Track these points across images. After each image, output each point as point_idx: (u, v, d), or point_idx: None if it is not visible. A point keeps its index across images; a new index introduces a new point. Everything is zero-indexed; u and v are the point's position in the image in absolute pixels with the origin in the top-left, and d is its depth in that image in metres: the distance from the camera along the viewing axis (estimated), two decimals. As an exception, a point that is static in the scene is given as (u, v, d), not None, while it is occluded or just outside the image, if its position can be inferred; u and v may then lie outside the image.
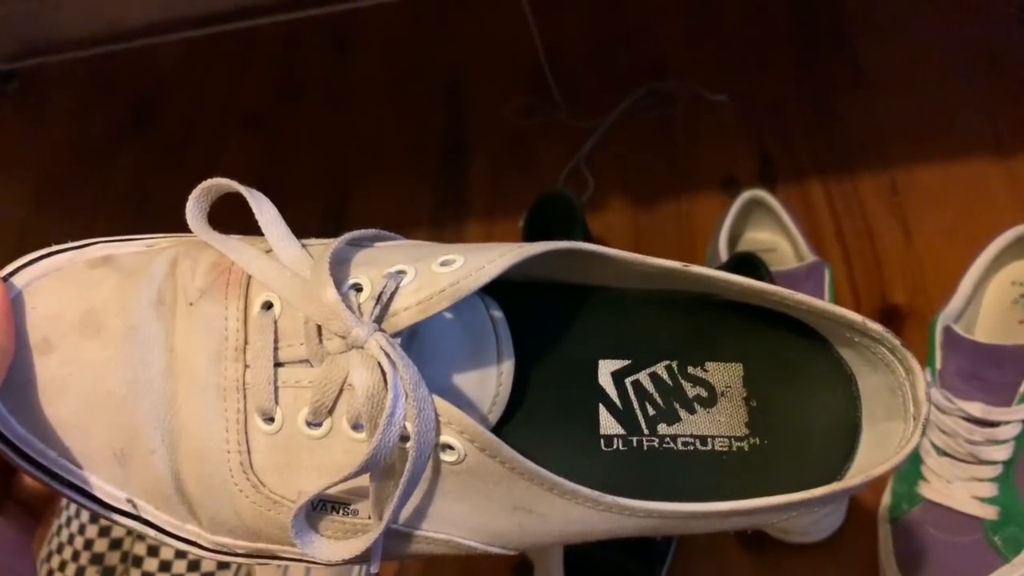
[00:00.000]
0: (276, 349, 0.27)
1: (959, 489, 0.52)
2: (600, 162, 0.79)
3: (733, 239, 0.66)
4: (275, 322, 0.27)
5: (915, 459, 0.55)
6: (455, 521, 0.27)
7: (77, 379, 0.26)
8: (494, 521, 0.27)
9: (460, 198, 0.80)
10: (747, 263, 0.57)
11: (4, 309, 0.26)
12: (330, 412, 0.26)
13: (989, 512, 0.51)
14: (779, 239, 0.67)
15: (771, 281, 0.56)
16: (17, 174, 0.95)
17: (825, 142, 0.77)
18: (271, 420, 0.26)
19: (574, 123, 0.81)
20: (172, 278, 0.28)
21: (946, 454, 0.53)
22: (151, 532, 0.27)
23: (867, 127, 0.76)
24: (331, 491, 0.26)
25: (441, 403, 0.25)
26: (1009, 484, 0.51)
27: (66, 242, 0.29)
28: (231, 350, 0.27)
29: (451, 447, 0.25)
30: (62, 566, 0.63)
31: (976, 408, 0.51)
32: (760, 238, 0.68)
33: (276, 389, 0.26)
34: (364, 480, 0.25)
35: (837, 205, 0.72)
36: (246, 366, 0.27)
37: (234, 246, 0.29)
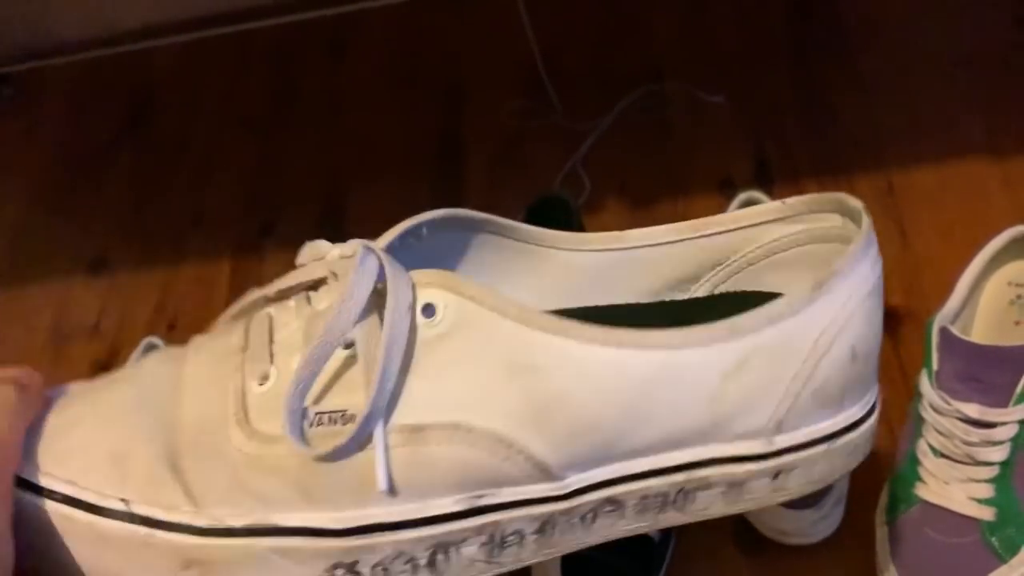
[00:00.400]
0: (271, 331, 0.28)
1: (956, 490, 0.52)
2: (597, 164, 0.80)
3: (729, 241, 0.66)
4: (271, 317, 0.29)
5: (912, 460, 0.55)
6: (455, 402, 0.25)
7: (89, 415, 0.28)
8: (495, 393, 0.25)
9: (457, 200, 0.80)
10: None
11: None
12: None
13: (986, 513, 0.51)
14: (775, 240, 0.67)
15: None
16: (12, 179, 0.95)
17: (821, 143, 0.77)
18: (266, 378, 0.27)
19: (570, 125, 0.82)
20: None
21: (943, 455, 0.53)
22: (141, 530, 0.26)
23: (863, 128, 0.77)
24: (325, 403, 0.26)
25: (418, 272, 0.25)
26: (1006, 485, 0.51)
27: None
28: (235, 350, 0.28)
29: (432, 306, 0.25)
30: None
31: (973, 409, 0.51)
32: (757, 240, 0.68)
33: (272, 341, 0.28)
34: (354, 381, 0.25)
35: (833, 206, 0.73)
36: (245, 348, 0.28)
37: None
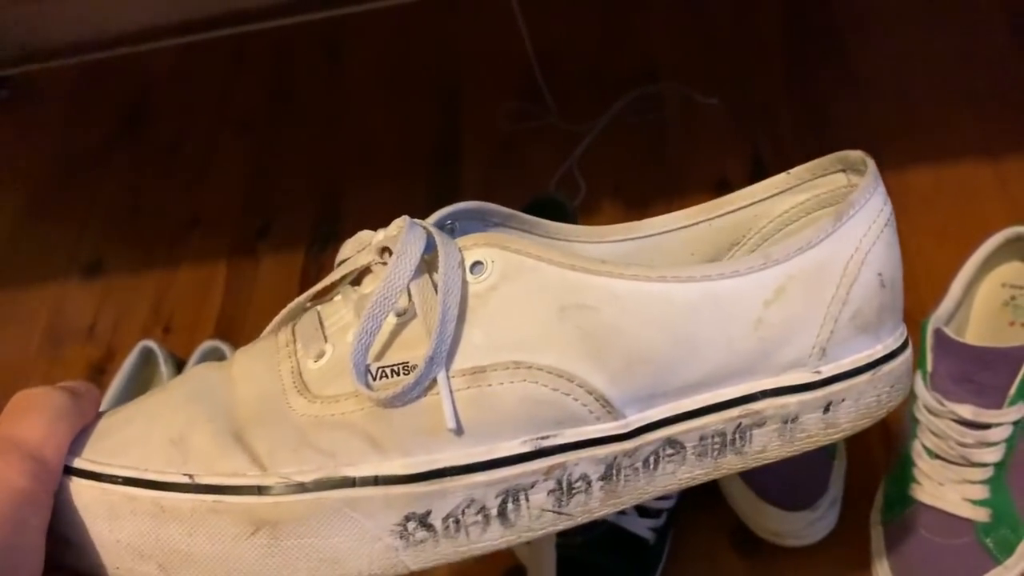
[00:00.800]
0: (321, 321, 0.29)
1: (951, 491, 0.52)
2: (592, 166, 0.80)
3: (725, 242, 0.66)
4: (318, 312, 0.30)
5: (907, 462, 0.55)
6: (512, 343, 0.26)
7: (141, 412, 0.29)
8: (550, 331, 0.26)
9: (452, 202, 0.80)
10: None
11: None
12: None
13: (981, 514, 0.51)
14: (771, 242, 0.67)
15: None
16: (7, 182, 0.95)
17: (816, 144, 0.77)
18: (322, 355, 0.28)
19: (566, 127, 0.82)
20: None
21: (937, 456, 0.53)
22: (209, 498, 0.25)
23: (858, 129, 0.77)
24: (386, 360, 0.26)
25: (461, 236, 0.27)
26: (1000, 486, 0.51)
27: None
28: (284, 344, 0.29)
29: (479, 263, 0.26)
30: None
31: (967, 411, 0.51)
32: (752, 241, 0.68)
33: (323, 327, 0.28)
34: (411, 340, 0.26)
35: (828, 208, 0.73)
36: (294, 340, 0.29)
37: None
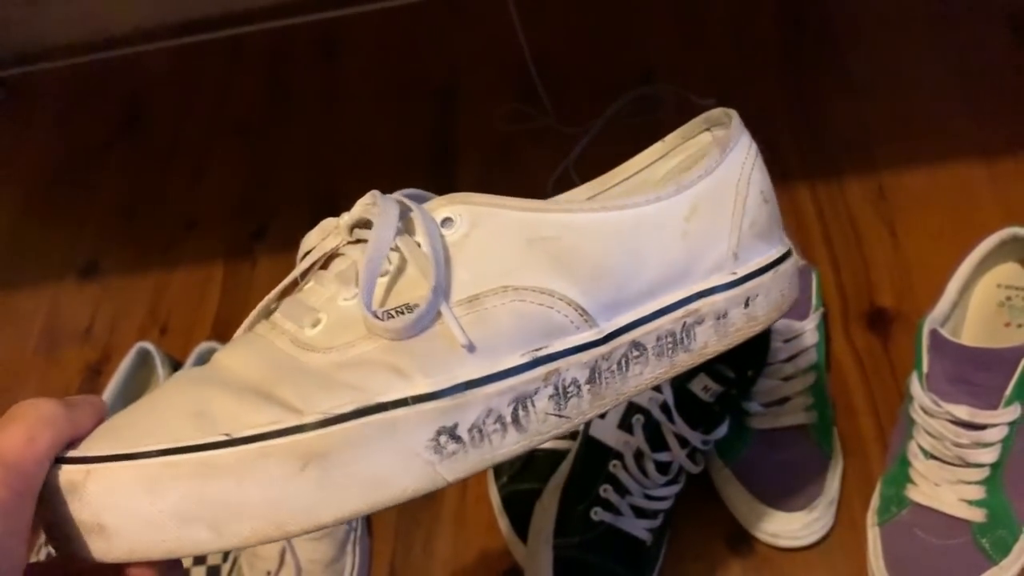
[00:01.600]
0: (304, 303, 0.31)
1: (947, 492, 0.52)
2: (589, 167, 0.79)
3: (721, 244, 0.66)
4: (297, 299, 0.32)
5: (903, 462, 0.55)
6: (495, 273, 0.30)
7: (145, 407, 0.29)
8: (524, 259, 0.31)
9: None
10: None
11: None
12: (356, 279, 0.30)
13: (976, 515, 0.51)
14: (767, 243, 0.67)
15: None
16: (5, 182, 0.95)
17: (812, 146, 0.77)
18: (317, 322, 0.30)
19: (563, 128, 0.82)
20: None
21: (933, 457, 0.53)
22: (253, 447, 0.26)
23: (854, 131, 0.77)
24: (388, 304, 0.30)
25: (426, 202, 0.31)
26: (996, 487, 0.51)
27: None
28: (268, 329, 0.31)
29: (449, 219, 0.31)
30: None
31: (963, 411, 0.51)
32: (748, 242, 0.68)
33: (309, 305, 0.31)
34: (406, 288, 0.30)
35: (824, 209, 0.73)
36: (270, 319, 0.31)
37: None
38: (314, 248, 0.33)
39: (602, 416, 0.54)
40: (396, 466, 0.27)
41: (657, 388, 0.55)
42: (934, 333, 0.53)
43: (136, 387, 0.71)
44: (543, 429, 0.30)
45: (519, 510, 0.60)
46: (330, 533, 0.60)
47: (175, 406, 0.28)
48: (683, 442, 0.55)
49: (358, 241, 0.32)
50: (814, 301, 0.59)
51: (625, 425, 0.55)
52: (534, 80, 0.82)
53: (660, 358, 0.33)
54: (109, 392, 0.69)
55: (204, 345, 0.70)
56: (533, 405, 0.30)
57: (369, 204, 0.32)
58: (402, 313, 0.29)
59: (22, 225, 0.91)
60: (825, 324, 0.64)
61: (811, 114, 0.79)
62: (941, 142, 0.74)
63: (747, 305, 0.35)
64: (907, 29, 0.82)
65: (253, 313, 0.33)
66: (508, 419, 0.29)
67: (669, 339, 0.33)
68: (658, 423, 0.54)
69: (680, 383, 0.54)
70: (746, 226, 0.34)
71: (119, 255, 0.85)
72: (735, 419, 0.58)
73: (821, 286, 0.63)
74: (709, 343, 0.34)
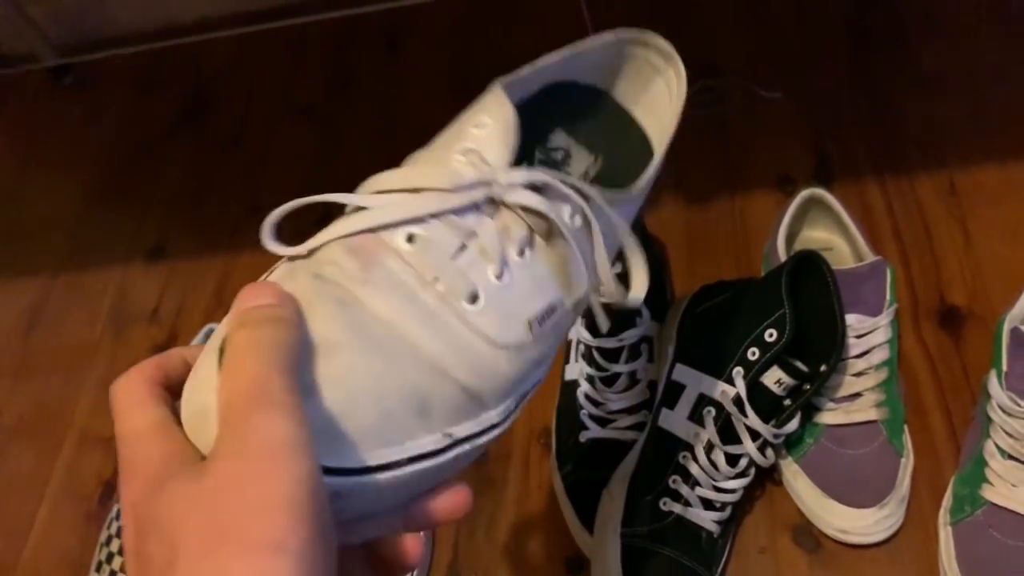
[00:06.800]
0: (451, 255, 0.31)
1: (1025, 493, 0.51)
2: (652, 159, 0.79)
3: (790, 238, 0.65)
4: (425, 241, 0.31)
5: (979, 461, 0.54)
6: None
7: (354, 389, 0.28)
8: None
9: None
10: (810, 262, 0.57)
11: None
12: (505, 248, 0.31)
13: (1056, 517, 0.50)
14: (836, 238, 0.67)
15: (834, 280, 0.56)
16: (73, 167, 0.97)
17: (882, 140, 0.76)
18: (476, 297, 0.30)
19: (626, 120, 0.81)
20: (331, 284, 0.30)
21: (1011, 457, 0.52)
22: (465, 448, 0.30)
23: (924, 125, 0.76)
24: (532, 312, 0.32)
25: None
26: (1078, 489, 0.50)
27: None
28: (416, 283, 0.30)
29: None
30: (109, 558, 0.64)
31: (1044, 411, 0.50)
32: (817, 237, 0.67)
33: (466, 275, 0.30)
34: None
35: (894, 204, 0.72)
36: (436, 280, 0.30)
37: (352, 221, 0.32)
38: (448, 189, 0.31)
39: (671, 408, 0.54)
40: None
41: (730, 381, 0.54)
42: (1015, 331, 0.52)
43: (204, 368, 0.72)
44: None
45: (583, 499, 0.60)
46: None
47: (392, 395, 0.28)
48: (754, 435, 0.54)
49: (498, 206, 0.31)
50: (888, 297, 0.59)
51: (696, 417, 0.55)
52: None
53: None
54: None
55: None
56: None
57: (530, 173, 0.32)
58: (548, 316, 0.32)
59: (90, 208, 0.93)
60: (897, 321, 0.63)
61: (880, 109, 0.77)
62: (1016, 139, 0.73)
63: None
64: (980, 24, 0.81)
65: (351, 219, 0.31)
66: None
67: None
68: (729, 416, 0.54)
69: (753, 377, 0.54)
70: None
71: (185, 239, 0.87)
72: (805, 414, 0.57)
73: (895, 282, 0.62)
74: None
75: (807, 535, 0.58)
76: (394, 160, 0.34)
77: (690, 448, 0.55)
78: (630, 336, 0.61)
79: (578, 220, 0.33)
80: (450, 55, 0.94)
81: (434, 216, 0.30)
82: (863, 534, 0.55)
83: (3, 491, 0.74)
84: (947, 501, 0.55)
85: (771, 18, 0.87)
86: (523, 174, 0.31)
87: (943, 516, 0.55)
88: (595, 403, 0.61)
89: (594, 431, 0.61)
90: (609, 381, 0.61)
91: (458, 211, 0.31)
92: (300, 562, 0.22)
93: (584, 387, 0.62)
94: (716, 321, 0.59)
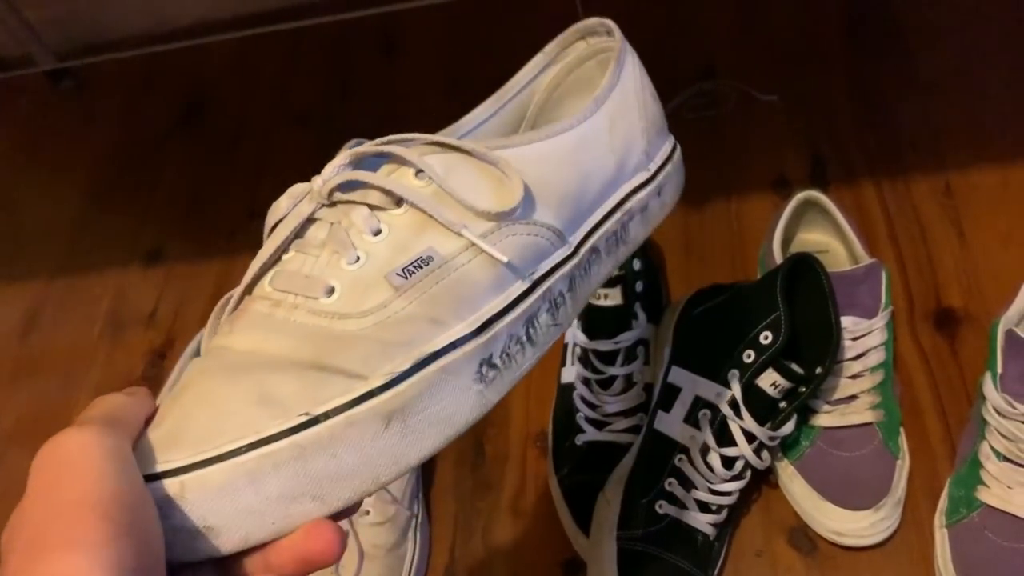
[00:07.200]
0: (300, 272, 0.32)
1: (1020, 495, 0.51)
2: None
3: (786, 240, 0.65)
4: (280, 273, 0.32)
5: (974, 464, 0.54)
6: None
7: (188, 405, 0.29)
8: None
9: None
10: (805, 264, 0.57)
11: None
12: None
13: (1051, 519, 0.50)
14: (832, 240, 0.67)
15: (829, 283, 0.56)
16: (69, 171, 0.97)
17: (877, 143, 0.76)
18: (332, 290, 0.31)
19: (623, 123, 0.81)
20: (209, 354, 0.32)
21: (1007, 459, 0.52)
22: (339, 420, 0.28)
23: (920, 128, 0.76)
24: (399, 263, 0.32)
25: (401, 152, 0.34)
26: (1072, 490, 0.51)
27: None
28: (271, 308, 0.31)
29: (420, 171, 0.33)
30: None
31: (1039, 413, 0.50)
32: (813, 239, 0.67)
33: (319, 278, 0.31)
34: (402, 235, 0.32)
35: (890, 207, 0.72)
36: (289, 296, 0.31)
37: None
38: (286, 216, 0.33)
39: (667, 410, 0.54)
40: (457, 402, 0.31)
41: (726, 384, 0.55)
42: (1010, 334, 0.52)
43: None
44: (547, 339, 0.35)
45: (580, 502, 0.60)
46: (392, 519, 0.60)
47: (232, 398, 0.28)
48: (750, 437, 0.54)
49: (334, 204, 0.33)
50: (883, 299, 0.59)
51: (691, 420, 0.55)
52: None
53: (609, 255, 0.38)
54: (175, 376, 0.71)
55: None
56: (538, 322, 0.34)
57: (344, 166, 0.33)
58: (419, 268, 0.31)
59: (88, 212, 0.93)
60: (892, 323, 0.64)
61: (876, 111, 0.78)
62: (1012, 142, 0.73)
63: (660, 194, 0.40)
64: (977, 27, 0.81)
65: (236, 291, 0.33)
66: (524, 339, 0.33)
67: (613, 238, 0.38)
68: (725, 418, 0.54)
69: (749, 379, 0.54)
70: (649, 126, 0.39)
71: (183, 243, 0.87)
72: (801, 416, 0.57)
73: (890, 285, 0.62)
74: (639, 234, 0.39)
75: (803, 537, 0.58)
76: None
77: (686, 451, 0.55)
78: (626, 339, 0.61)
79: (429, 173, 0.32)
80: (447, 58, 0.94)
81: (280, 249, 0.33)
82: (859, 536, 0.55)
83: (0, 495, 0.75)
84: (943, 503, 0.55)
85: (767, 21, 0.87)
86: (332, 164, 0.33)
87: (939, 518, 0.55)
88: (591, 406, 0.62)
89: (590, 434, 0.61)
90: (605, 384, 0.62)
91: (299, 232, 0.33)
92: (96, 558, 0.22)
93: (580, 390, 0.62)
94: (712, 324, 0.59)
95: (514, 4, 0.95)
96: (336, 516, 0.28)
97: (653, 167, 0.39)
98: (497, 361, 0.32)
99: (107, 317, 0.84)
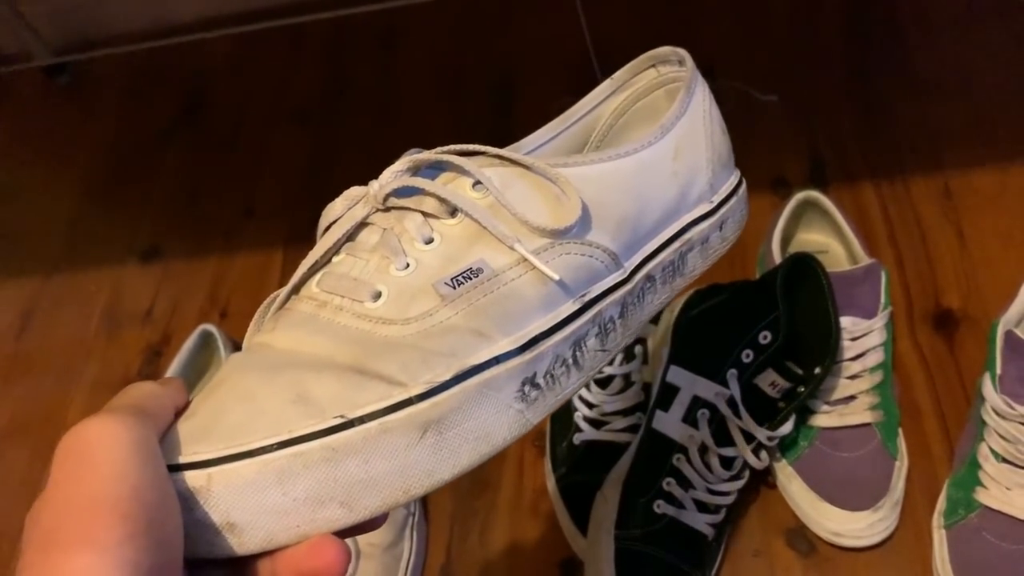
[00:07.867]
0: (349, 275, 0.32)
1: (1019, 496, 0.51)
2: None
3: (785, 240, 0.65)
4: (329, 275, 0.32)
5: (973, 464, 0.54)
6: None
7: (224, 399, 0.29)
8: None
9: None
10: (804, 264, 0.57)
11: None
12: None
13: (1050, 520, 0.50)
14: (831, 241, 0.67)
15: (828, 283, 0.56)
16: (67, 167, 0.96)
17: (877, 143, 0.76)
18: (379, 295, 0.31)
19: (622, 122, 0.81)
20: (250, 349, 0.32)
21: (1006, 460, 0.52)
22: (373, 425, 0.27)
23: (919, 129, 0.76)
24: (449, 272, 0.32)
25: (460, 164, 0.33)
26: (1071, 492, 0.50)
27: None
28: (316, 309, 0.31)
29: (478, 183, 0.32)
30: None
31: (1038, 414, 0.50)
32: (812, 239, 0.67)
33: (367, 282, 0.31)
34: (457, 253, 0.32)
35: (889, 207, 0.72)
36: (336, 298, 0.31)
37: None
38: (340, 218, 0.33)
39: (665, 410, 0.54)
40: (496, 419, 0.30)
41: (724, 383, 0.54)
42: (1010, 334, 0.52)
43: (198, 368, 0.72)
44: (593, 364, 0.34)
45: (577, 501, 0.60)
46: (389, 517, 0.60)
47: (269, 396, 0.28)
48: (748, 437, 0.54)
49: (389, 209, 0.33)
50: (882, 300, 0.59)
51: (690, 419, 0.55)
52: (595, 71, 0.82)
53: (664, 285, 0.37)
54: (171, 372, 0.70)
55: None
56: (585, 345, 0.33)
57: (403, 172, 0.33)
58: (469, 278, 0.31)
59: (85, 208, 0.92)
60: (891, 324, 0.63)
61: (876, 111, 0.78)
62: (1011, 142, 0.73)
63: (721, 228, 0.39)
64: (975, 26, 0.81)
65: (284, 290, 0.32)
66: (570, 361, 0.33)
67: (670, 268, 0.37)
68: (724, 418, 0.54)
69: (748, 379, 0.54)
70: (715, 159, 0.38)
71: (180, 240, 0.87)
72: (800, 416, 0.57)
73: (889, 285, 0.62)
74: (697, 266, 0.39)
75: (801, 538, 0.58)
76: (390, 159, 0.34)
77: (684, 450, 0.55)
78: (625, 338, 0.61)
79: (487, 186, 0.32)
80: (446, 55, 0.94)
81: (331, 251, 0.33)
82: (857, 537, 0.55)
83: (-5, 492, 0.74)
84: (941, 504, 0.55)
85: (767, 21, 0.87)
86: (390, 170, 0.33)
87: (937, 519, 0.55)
88: (589, 405, 0.61)
89: (588, 433, 0.61)
90: (603, 383, 0.61)
91: (351, 235, 0.33)
92: (111, 558, 0.22)
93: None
94: (711, 323, 0.59)
95: (513, 1, 0.95)
96: (359, 528, 0.28)
97: (716, 199, 0.38)
98: (540, 381, 0.32)
99: (103, 314, 0.84)
